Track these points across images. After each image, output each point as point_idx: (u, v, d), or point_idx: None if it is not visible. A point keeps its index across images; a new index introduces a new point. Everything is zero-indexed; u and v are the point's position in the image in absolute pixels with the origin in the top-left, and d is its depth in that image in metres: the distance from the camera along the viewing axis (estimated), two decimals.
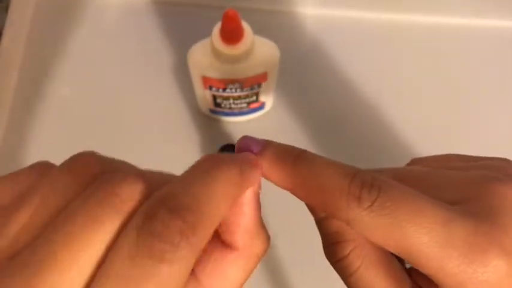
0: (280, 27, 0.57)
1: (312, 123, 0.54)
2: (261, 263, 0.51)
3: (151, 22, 0.58)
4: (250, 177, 0.16)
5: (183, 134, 0.53)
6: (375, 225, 0.16)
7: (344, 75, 0.56)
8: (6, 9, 0.56)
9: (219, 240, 0.16)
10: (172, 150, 0.52)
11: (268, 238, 0.18)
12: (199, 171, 0.15)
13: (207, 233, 0.14)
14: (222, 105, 0.50)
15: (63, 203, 0.14)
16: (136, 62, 0.57)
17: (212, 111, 0.52)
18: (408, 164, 0.23)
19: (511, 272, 0.15)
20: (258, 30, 0.43)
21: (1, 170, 0.50)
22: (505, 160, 0.20)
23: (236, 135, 0.53)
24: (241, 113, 0.52)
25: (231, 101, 0.49)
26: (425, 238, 0.15)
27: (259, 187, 0.17)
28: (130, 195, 0.14)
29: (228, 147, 0.45)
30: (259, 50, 0.43)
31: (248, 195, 0.17)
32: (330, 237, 0.19)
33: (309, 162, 0.17)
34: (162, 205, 0.13)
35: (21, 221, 0.14)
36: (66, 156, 0.19)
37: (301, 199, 0.18)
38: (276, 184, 0.18)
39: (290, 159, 0.17)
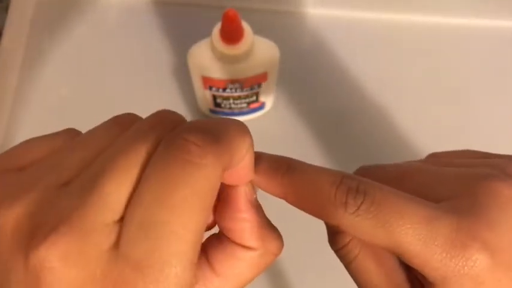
0: (280, 27, 0.58)
1: (312, 123, 0.54)
2: None
3: (151, 22, 0.58)
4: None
5: None
6: (362, 228, 0.17)
7: (344, 75, 0.56)
8: (6, 9, 0.56)
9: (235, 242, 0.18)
10: None
11: (279, 236, 0.19)
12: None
13: (226, 147, 0.15)
14: (222, 105, 0.50)
15: (108, 143, 0.16)
16: (136, 62, 0.57)
17: (212, 111, 0.52)
18: (425, 158, 0.24)
19: (493, 266, 0.16)
20: (258, 30, 0.43)
21: None
22: (510, 158, 0.21)
23: None
24: (241, 113, 0.52)
25: (231, 101, 0.49)
26: (409, 237, 0.16)
27: (254, 192, 0.19)
28: (169, 118, 0.17)
29: None
30: (259, 50, 0.43)
31: (244, 202, 0.18)
32: (332, 228, 0.20)
33: (299, 172, 0.19)
34: (186, 125, 0.16)
35: (79, 155, 0.16)
36: None
37: (294, 206, 0.19)
38: (269, 193, 0.19)
39: (281, 170, 0.19)
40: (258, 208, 0.18)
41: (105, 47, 0.58)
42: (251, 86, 0.47)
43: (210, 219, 0.19)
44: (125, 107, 0.61)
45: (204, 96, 0.49)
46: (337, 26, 0.58)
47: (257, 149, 0.59)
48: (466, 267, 0.16)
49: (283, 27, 0.58)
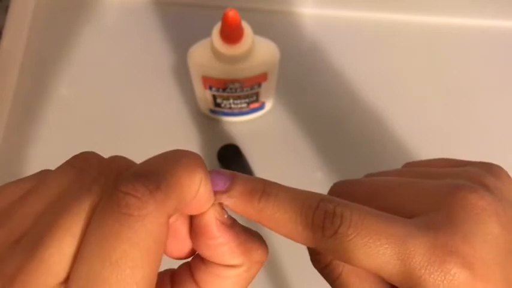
0: (280, 27, 0.58)
1: (312, 123, 0.54)
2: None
3: (151, 22, 0.58)
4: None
5: (183, 134, 0.53)
6: (341, 251, 0.17)
7: (344, 75, 0.56)
8: (6, 9, 0.56)
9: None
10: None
11: (262, 243, 0.19)
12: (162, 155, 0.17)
13: (171, 193, 0.15)
14: (222, 105, 0.50)
15: (59, 192, 0.16)
16: (136, 62, 0.57)
17: (212, 111, 0.52)
18: (402, 167, 0.24)
19: (472, 279, 0.16)
20: (258, 30, 0.43)
21: (1, 170, 0.50)
22: (487, 166, 0.21)
23: (236, 135, 0.53)
24: (241, 113, 0.52)
25: (231, 101, 0.49)
26: (387, 257, 0.17)
27: (224, 212, 0.18)
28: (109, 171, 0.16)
29: (228, 147, 0.45)
30: (259, 50, 0.43)
31: (215, 227, 0.18)
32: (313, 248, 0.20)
33: (274, 197, 0.18)
34: (128, 172, 0.15)
35: (24, 212, 0.16)
36: (66, 156, 0.19)
37: (271, 229, 0.19)
38: (243, 217, 0.19)
39: (256, 196, 0.18)
40: (232, 226, 0.18)
41: (105, 47, 0.58)
42: (251, 86, 0.47)
43: (188, 247, 0.18)
44: (125, 107, 0.61)
45: (204, 96, 0.49)
46: (337, 26, 0.58)
47: (257, 149, 0.59)
48: (445, 282, 0.16)
49: (283, 27, 0.58)
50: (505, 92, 0.56)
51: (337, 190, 0.22)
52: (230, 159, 0.43)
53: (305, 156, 0.52)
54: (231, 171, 0.19)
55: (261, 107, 0.52)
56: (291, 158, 0.52)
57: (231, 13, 0.39)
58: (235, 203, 0.18)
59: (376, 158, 0.52)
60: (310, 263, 0.21)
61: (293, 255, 0.47)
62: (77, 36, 0.58)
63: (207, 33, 0.43)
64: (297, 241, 0.18)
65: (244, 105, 0.50)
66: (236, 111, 0.51)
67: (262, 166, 0.50)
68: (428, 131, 0.53)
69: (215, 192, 0.18)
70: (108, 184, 0.16)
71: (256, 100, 0.50)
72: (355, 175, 0.54)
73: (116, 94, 0.55)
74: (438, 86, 0.56)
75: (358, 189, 0.21)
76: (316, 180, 0.51)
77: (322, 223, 0.17)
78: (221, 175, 0.19)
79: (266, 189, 0.18)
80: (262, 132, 0.53)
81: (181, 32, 0.57)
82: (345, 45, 0.57)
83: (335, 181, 0.23)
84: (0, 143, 0.52)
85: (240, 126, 0.54)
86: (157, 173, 0.15)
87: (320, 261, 0.20)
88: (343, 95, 0.55)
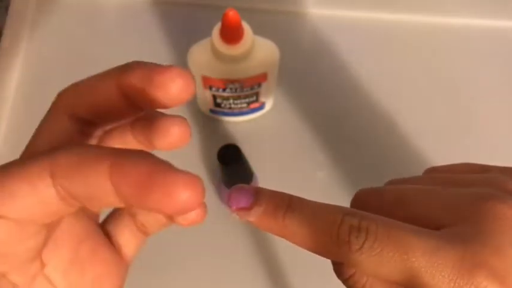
0: (280, 27, 0.57)
1: (312, 123, 0.54)
2: (262, 264, 0.50)
3: (151, 22, 0.58)
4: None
5: None
6: (367, 265, 0.17)
7: (344, 75, 0.56)
8: (6, 9, 0.56)
9: None
10: (172, 150, 0.52)
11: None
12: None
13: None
14: (222, 105, 0.50)
15: None
16: None
17: (212, 111, 0.52)
18: (424, 173, 0.24)
19: None
20: (258, 30, 0.43)
21: None
22: (511, 171, 0.20)
23: (236, 135, 0.53)
24: (241, 113, 0.52)
25: (231, 101, 0.49)
26: (414, 270, 0.16)
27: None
28: None
29: (228, 147, 0.45)
30: (259, 50, 0.43)
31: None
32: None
33: (299, 213, 0.18)
34: None
35: None
36: None
37: (295, 244, 0.19)
38: (268, 232, 0.19)
39: (281, 212, 0.18)
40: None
41: (105, 47, 0.58)
42: (251, 86, 0.47)
43: None
44: None
45: (204, 96, 0.49)
46: (337, 26, 0.58)
47: (257, 149, 0.59)
48: None
49: (283, 27, 0.58)
50: (505, 91, 0.56)
51: (361, 200, 0.22)
52: (230, 159, 0.43)
53: (305, 156, 0.52)
54: (255, 186, 0.19)
55: (261, 107, 0.52)
56: (291, 158, 0.52)
57: (231, 13, 0.39)
58: (260, 220, 0.18)
59: (377, 157, 0.52)
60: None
61: (293, 255, 0.47)
62: (77, 36, 0.58)
63: (207, 33, 0.43)
64: (323, 256, 0.18)
65: (244, 105, 0.50)
66: (236, 111, 0.51)
67: (262, 166, 0.50)
68: (429, 130, 0.53)
69: (239, 210, 0.18)
70: None
71: (256, 100, 0.50)
72: (355, 175, 0.54)
73: None
74: (438, 86, 0.56)
75: (384, 199, 0.21)
76: (317, 180, 0.51)
77: (348, 238, 0.17)
78: (245, 191, 0.19)
79: (290, 205, 0.18)
80: (262, 132, 0.53)
81: (181, 32, 0.57)
82: (345, 45, 0.57)
83: (335, 181, 0.23)
84: (0, 143, 0.52)
85: (240, 126, 0.54)
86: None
87: (343, 272, 0.20)
88: (343, 94, 0.55)
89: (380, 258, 0.17)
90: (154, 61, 0.18)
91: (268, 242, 0.49)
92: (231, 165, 0.43)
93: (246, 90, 0.47)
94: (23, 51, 0.57)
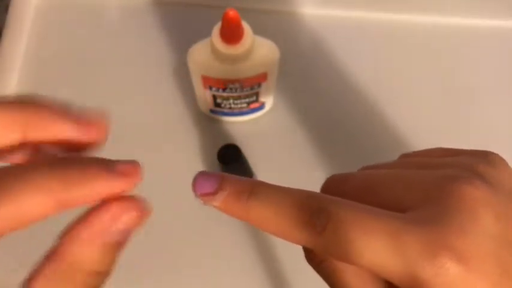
0: (280, 27, 0.58)
1: (311, 123, 0.54)
2: (262, 264, 0.50)
3: (151, 22, 0.58)
4: (88, 182, 0.16)
5: (183, 134, 0.53)
6: (329, 248, 0.17)
7: (344, 75, 0.56)
8: (6, 9, 0.56)
9: None
10: (173, 150, 0.52)
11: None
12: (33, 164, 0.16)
13: (6, 211, 0.15)
14: (222, 105, 0.50)
15: None
16: (136, 62, 0.57)
17: (212, 111, 0.52)
18: (398, 158, 0.24)
19: (466, 273, 0.16)
20: (258, 30, 0.43)
21: None
22: (483, 154, 0.20)
23: (236, 135, 0.53)
24: (241, 113, 0.52)
25: (231, 101, 0.49)
26: (377, 253, 0.16)
27: (125, 230, 0.17)
28: None
29: (228, 147, 0.45)
30: (259, 50, 0.43)
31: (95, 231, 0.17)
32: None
33: (262, 196, 0.18)
34: None
35: None
36: None
37: (260, 229, 0.18)
38: (233, 217, 0.19)
39: (244, 197, 0.18)
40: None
41: (105, 47, 0.58)
42: (251, 86, 0.47)
43: None
44: (125, 107, 0.61)
45: (204, 96, 0.49)
46: (337, 26, 0.58)
47: (257, 149, 0.59)
48: (438, 277, 0.16)
49: (283, 27, 0.58)
50: (504, 91, 0.56)
51: (330, 186, 0.22)
52: (230, 159, 0.43)
53: (305, 156, 0.52)
54: (219, 172, 0.19)
55: (261, 107, 0.52)
56: (291, 158, 0.52)
57: (231, 13, 0.39)
58: (223, 205, 0.18)
59: (377, 157, 0.52)
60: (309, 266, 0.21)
61: (292, 254, 0.47)
62: (76, 36, 0.58)
63: (207, 33, 0.43)
64: (287, 239, 0.18)
65: (244, 105, 0.50)
66: (236, 111, 0.51)
67: (262, 166, 0.50)
68: (429, 130, 0.53)
69: (203, 195, 0.18)
70: None
71: (256, 100, 0.50)
72: None
73: (116, 94, 0.55)
74: (438, 86, 0.56)
75: (351, 185, 0.21)
76: (316, 180, 0.51)
77: (310, 220, 0.17)
78: (208, 177, 0.19)
79: (254, 190, 0.18)
80: (262, 132, 0.53)
81: (181, 32, 0.57)
82: (345, 45, 0.57)
83: None
84: None
85: (240, 126, 0.54)
86: None
87: (313, 258, 0.20)
88: (343, 95, 0.55)
89: (341, 240, 0.17)
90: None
91: (269, 243, 0.49)
92: (231, 165, 0.43)
93: (246, 90, 0.47)
94: (23, 51, 0.57)
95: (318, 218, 0.17)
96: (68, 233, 0.16)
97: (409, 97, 0.55)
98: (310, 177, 0.54)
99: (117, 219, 0.17)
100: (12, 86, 0.55)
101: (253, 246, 0.49)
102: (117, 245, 0.17)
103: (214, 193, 0.18)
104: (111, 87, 0.56)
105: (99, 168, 0.17)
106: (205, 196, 0.18)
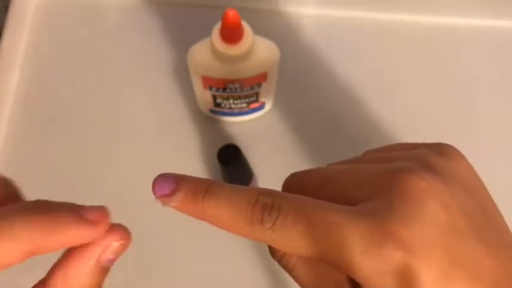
0: (280, 27, 0.58)
1: (311, 123, 0.54)
2: (262, 264, 0.50)
3: (151, 22, 0.58)
4: (62, 229, 0.17)
5: (183, 134, 0.53)
6: (282, 242, 0.18)
7: (344, 75, 0.56)
8: (6, 9, 0.56)
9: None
10: (173, 150, 0.52)
11: None
12: (9, 207, 0.17)
13: None
14: (222, 105, 0.50)
15: None
16: (136, 62, 0.57)
17: (212, 111, 0.52)
18: (363, 153, 0.25)
19: (411, 260, 0.16)
20: (258, 30, 0.43)
21: (2, 169, 0.50)
22: (436, 146, 0.21)
23: (236, 135, 0.53)
24: (241, 113, 0.52)
25: (231, 101, 0.49)
26: (326, 245, 0.17)
27: (111, 255, 0.19)
28: None
29: (228, 147, 0.45)
30: (259, 50, 0.43)
31: (86, 255, 0.18)
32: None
33: (216, 195, 0.19)
34: None
35: None
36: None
37: (216, 226, 0.19)
38: (189, 215, 0.19)
39: (200, 195, 0.19)
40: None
41: (105, 47, 0.58)
42: (251, 86, 0.47)
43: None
44: (125, 107, 0.61)
45: (204, 96, 0.49)
46: (336, 26, 0.58)
47: (257, 149, 0.59)
48: (385, 265, 0.16)
49: (283, 27, 0.58)
50: (504, 91, 0.56)
51: (289, 182, 0.23)
52: (230, 159, 0.43)
53: (305, 155, 0.52)
54: (176, 174, 0.20)
55: (261, 107, 0.52)
56: (291, 158, 0.52)
57: (231, 13, 0.39)
58: (180, 205, 0.19)
59: None
60: None
61: None
62: (77, 36, 0.58)
63: (207, 33, 0.43)
64: (242, 235, 0.19)
65: (244, 105, 0.50)
66: (236, 111, 0.51)
67: (262, 166, 0.50)
68: (429, 131, 0.53)
69: (161, 196, 0.19)
70: None
71: (256, 100, 0.50)
72: None
73: (116, 94, 0.55)
74: (438, 86, 0.56)
75: (307, 181, 0.21)
76: None
77: (261, 216, 0.18)
78: (166, 179, 0.19)
79: (209, 189, 0.19)
80: (262, 132, 0.53)
81: (181, 32, 0.57)
82: (344, 45, 0.57)
83: None
84: (0, 143, 0.52)
85: (240, 126, 0.54)
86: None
87: (275, 253, 0.20)
88: (343, 95, 0.55)
89: (292, 235, 0.17)
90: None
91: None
92: (231, 165, 0.43)
93: (246, 90, 0.47)
94: (23, 51, 0.57)
95: (268, 215, 0.18)
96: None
97: (409, 97, 0.55)
98: None
99: (107, 248, 0.18)
100: (12, 86, 0.55)
101: (252, 244, 0.49)
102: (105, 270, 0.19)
103: (171, 194, 0.19)
104: (111, 87, 0.56)
105: (72, 215, 0.17)
106: (164, 197, 0.19)
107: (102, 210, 0.18)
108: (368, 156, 0.23)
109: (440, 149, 0.20)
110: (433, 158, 0.19)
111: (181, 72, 0.55)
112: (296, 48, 0.57)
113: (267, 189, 0.19)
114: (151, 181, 0.19)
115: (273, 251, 0.20)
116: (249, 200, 0.18)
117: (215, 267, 0.48)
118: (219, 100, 0.49)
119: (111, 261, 0.19)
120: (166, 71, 0.56)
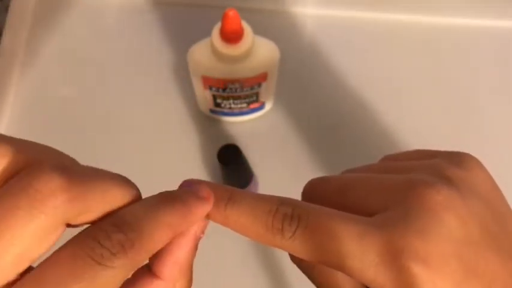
0: (280, 27, 0.58)
1: (311, 124, 0.54)
2: (262, 263, 0.50)
3: (151, 22, 0.58)
4: (193, 210, 0.18)
5: (183, 134, 0.53)
6: (302, 251, 0.18)
7: (344, 75, 0.56)
8: (6, 9, 0.56)
9: (147, 267, 0.19)
10: (173, 150, 0.52)
11: (191, 282, 0.20)
12: (146, 202, 0.18)
13: (144, 251, 0.16)
14: (222, 105, 0.50)
15: None
16: (136, 62, 0.57)
17: (212, 111, 0.52)
18: (380, 160, 0.25)
19: (427, 273, 0.16)
20: (258, 30, 0.43)
21: None
22: (454, 156, 0.21)
23: (236, 135, 0.53)
24: (241, 113, 0.52)
25: (231, 101, 0.49)
26: (343, 255, 0.17)
27: (202, 231, 0.20)
28: (49, 190, 0.16)
29: (228, 147, 0.45)
30: (259, 50, 0.43)
31: (189, 233, 0.19)
32: None
33: (238, 204, 0.19)
34: (109, 221, 0.16)
35: None
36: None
37: (237, 233, 0.20)
38: (211, 220, 0.20)
39: (223, 202, 0.19)
40: (194, 247, 0.19)
41: (105, 47, 0.58)
42: (251, 86, 0.47)
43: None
44: (125, 107, 0.61)
45: (204, 96, 0.49)
46: (336, 26, 0.58)
47: (257, 149, 0.59)
48: (400, 277, 0.16)
49: (283, 27, 0.58)
50: (504, 91, 0.56)
51: (309, 190, 0.23)
52: (230, 159, 0.43)
53: (305, 156, 0.52)
54: (198, 179, 0.20)
55: (261, 107, 0.52)
56: (291, 158, 0.52)
57: (231, 13, 0.39)
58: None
59: (377, 157, 0.52)
60: None
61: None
62: (77, 36, 0.58)
63: (207, 33, 0.43)
64: (264, 244, 0.19)
65: (244, 105, 0.50)
66: (236, 111, 0.51)
67: (262, 166, 0.50)
68: (429, 131, 0.53)
69: None
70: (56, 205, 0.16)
71: (256, 100, 0.50)
72: None
73: (116, 94, 0.55)
74: (438, 86, 0.56)
75: (326, 189, 0.22)
76: None
77: (281, 226, 0.18)
78: (191, 185, 0.20)
79: (231, 197, 0.19)
80: (262, 132, 0.53)
81: (181, 32, 0.57)
82: (345, 45, 0.57)
83: None
84: None
85: (240, 126, 0.54)
86: (135, 228, 0.16)
87: (294, 257, 0.21)
88: (343, 95, 0.55)
89: (311, 245, 0.18)
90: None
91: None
92: (231, 165, 0.43)
93: (246, 90, 0.47)
94: (23, 51, 0.57)
95: (288, 224, 0.18)
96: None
97: (409, 96, 0.55)
98: (310, 177, 0.54)
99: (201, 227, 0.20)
100: (12, 86, 0.55)
101: (252, 244, 0.49)
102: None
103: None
104: (111, 87, 0.56)
105: (195, 199, 0.19)
106: None
107: (203, 184, 0.20)
108: (385, 164, 0.23)
109: (459, 159, 0.20)
110: (450, 170, 0.19)
111: (181, 72, 0.55)
112: (296, 48, 0.57)
113: (287, 198, 0.19)
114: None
115: (292, 255, 0.21)
116: (270, 209, 0.19)
117: (215, 267, 0.48)
118: (219, 100, 0.49)
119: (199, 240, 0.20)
120: (166, 71, 0.56)
